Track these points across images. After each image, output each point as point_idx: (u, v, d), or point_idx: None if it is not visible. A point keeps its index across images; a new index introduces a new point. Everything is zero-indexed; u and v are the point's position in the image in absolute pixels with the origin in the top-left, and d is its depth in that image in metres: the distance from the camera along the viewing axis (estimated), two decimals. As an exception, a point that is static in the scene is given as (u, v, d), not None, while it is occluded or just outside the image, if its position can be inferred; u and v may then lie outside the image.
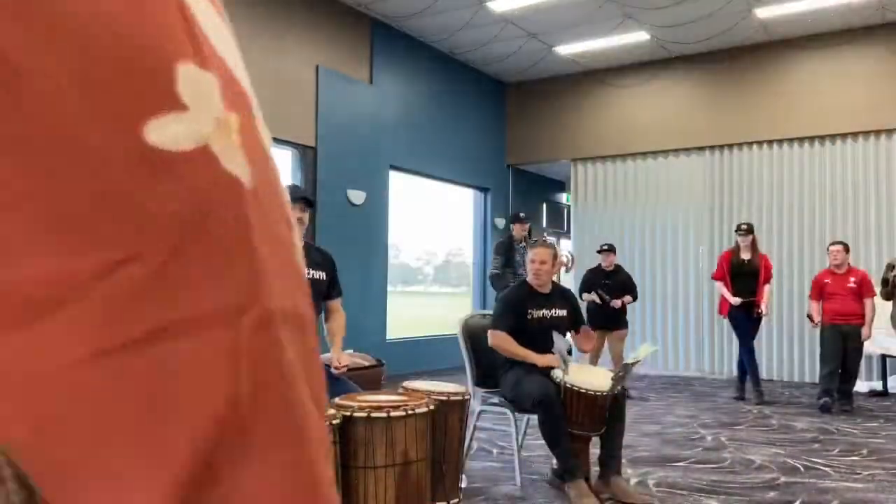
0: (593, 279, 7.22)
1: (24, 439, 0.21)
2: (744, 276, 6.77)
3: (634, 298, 7.29)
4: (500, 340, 3.82)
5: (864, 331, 6.40)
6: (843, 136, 8.66)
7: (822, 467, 4.36)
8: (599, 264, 7.34)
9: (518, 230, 7.18)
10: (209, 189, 0.22)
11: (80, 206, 0.21)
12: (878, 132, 8.48)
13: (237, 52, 0.27)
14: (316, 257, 3.32)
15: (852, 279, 6.52)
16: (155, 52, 0.22)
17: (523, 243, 7.04)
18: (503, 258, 7.03)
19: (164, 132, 0.21)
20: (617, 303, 7.07)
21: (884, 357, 7.49)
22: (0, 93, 0.20)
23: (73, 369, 0.20)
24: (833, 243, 6.75)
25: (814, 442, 5.10)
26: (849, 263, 6.65)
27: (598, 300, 7.06)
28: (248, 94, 0.25)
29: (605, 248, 7.33)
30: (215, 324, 0.22)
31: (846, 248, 6.60)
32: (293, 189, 3.34)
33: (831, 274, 6.64)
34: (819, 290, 6.69)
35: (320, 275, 3.32)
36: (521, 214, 7.36)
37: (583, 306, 7.08)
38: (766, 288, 6.86)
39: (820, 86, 8.72)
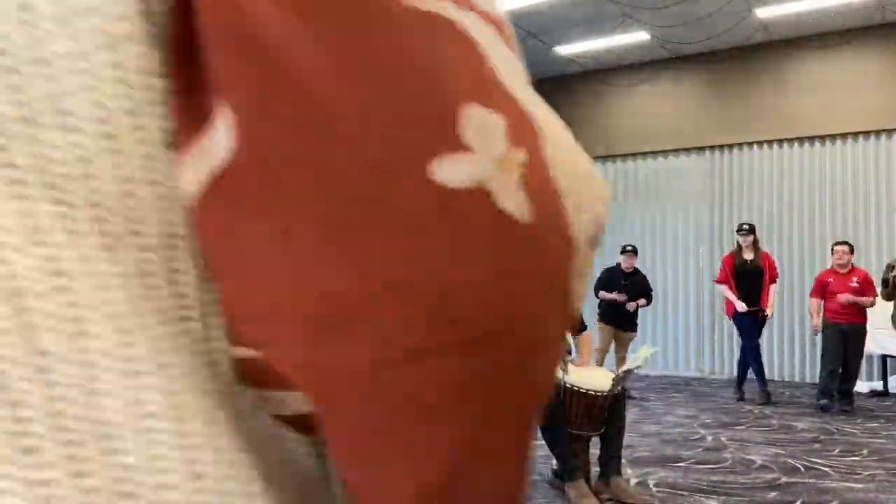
0: (611, 278, 7.17)
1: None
2: (748, 277, 6.75)
3: (649, 302, 7.27)
4: None
5: (853, 297, 6.39)
6: (844, 136, 8.65)
7: (822, 467, 4.35)
8: (619, 264, 7.24)
9: None
10: (479, 224, 0.23)
11: (382, 238, 0.23)
12: (878, 132, 8.47)
13: (526, 83, 0.28)
14: None
15: (855, 279, 6.52)
16: (444, 92, 0.23)
17: None
18: None
19: (447, 171, 0.23)
20: (632, 305, 7.05)
21: (884, 357, 7.48)
22: (316, 144, 0.22)
23: (364, 376, 0.24)
24: (838, 243, 6.74)
25: (814, 442, 5.09)
26: (851, 264, 6.65)
27: (618, 299, 7.03)
28: (538, 129, 0.26)
29: (629, 249, 7.23)
30: (476, 347, 0.24)
31: (851, 249, 6.60)
32: None
33: (834, 273, 6.63)
34: (821, 289, 6.68)
35: None
36: None
37: (594, 304, 7.10)
38: (773, 288, 6.84)
39: (821, 86, 8.70)
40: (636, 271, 7.27)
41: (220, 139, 0.23)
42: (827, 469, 4.31)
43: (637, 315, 7.20)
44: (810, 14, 8.13)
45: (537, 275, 0.25)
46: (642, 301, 7.14)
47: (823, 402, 6.53)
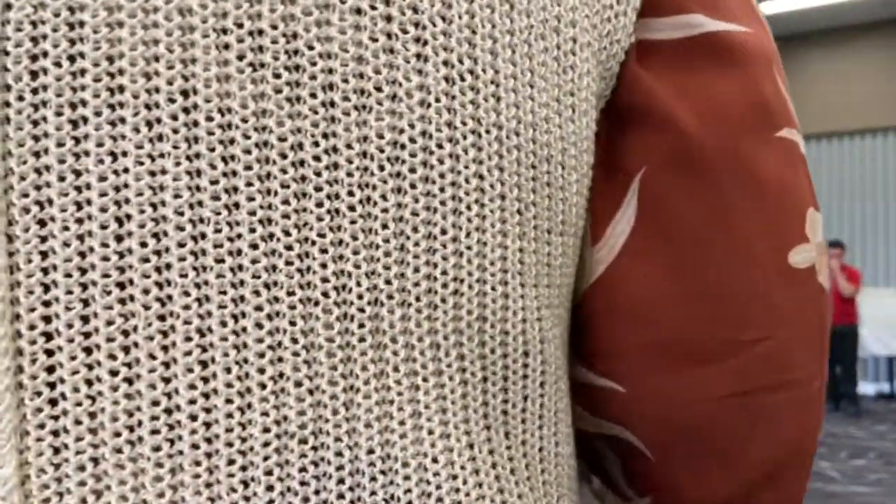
0: None
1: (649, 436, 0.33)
2: None
3: None
4: None
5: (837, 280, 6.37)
6: (851, 133, 8.58)
7: (828, 471, 4.31)
8: None
9: None
10: (810, 295, 0.33)
11: (741, 298, 0.31)
12: (885, 129, 8.40)
13: None
14: None
15: (844, 277, 6.48)
16: (800, 201, 0.32)
17: None
18: None
19: (796, 257, 0.32)
20: None
21: (890, 360, 7.40)
22: (709, 234, 0.31)
23: (719, 400, 0.31)
24: (830, 245, 6.71)
25: (820, 445, 5.02)
26: (842, 263, 6.62)
27: None
28: None
29: None
30: (800, 385, 0.33)
31: (843, 250, 6.60)
32: None
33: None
34: None
35: None
36: None
37: None
38: None
39: (826, 82, 8.64)
40: None
41: (628, 214, 0.31)
42: (833, 473, 4.27)
43: None
44: (814, 10, 8.06)
45: (828, 332, 0.34)
46: None
47: (830, 406, 6.50)
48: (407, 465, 0.25)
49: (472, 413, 0.27)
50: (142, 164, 0.23)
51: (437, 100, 0.25)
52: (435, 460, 0.26)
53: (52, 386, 0.23)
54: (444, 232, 0.25)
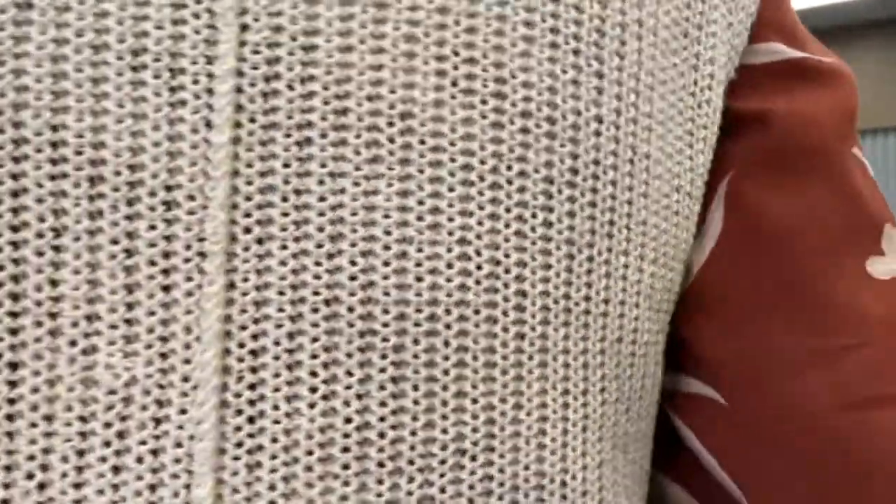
0: None
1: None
2: None
3: None
4: None
5: None
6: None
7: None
8: None
9: None
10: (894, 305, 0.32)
11: (828, 302, 0.31)
12: (885, 129, 8.42)
13: None
14: None
15: None
16: (874, 215, 0.33)
17: None
18: None
19: (873, 267, 0.32)
20: None
21: None
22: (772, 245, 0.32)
23: (827, 414, 0.30)
24: None
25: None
26: None
27: None
28: None
29: None
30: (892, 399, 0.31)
31: None
32: None
33: None
34: None
35: None
36: None
37: None
38: None
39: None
40: None
41: (716, 221, 0.32)
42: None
43: None
44: (813, 10, 8.08)
45: None
46: None
47: None
48: (553, 481, 0.26)
49: (606, 432, 0.28)
50: (358, 185, 0.23)
51: (608, 129, 0.27)
52: (574, 477, 0.27)
53: (252, 403, 0.23)
54: (599, 253, 0.27)
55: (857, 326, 0.30)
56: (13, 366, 0.22)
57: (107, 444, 0.22)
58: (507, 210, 0.25)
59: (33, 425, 0.22)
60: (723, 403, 0.31)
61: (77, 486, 0.22)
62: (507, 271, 0.25)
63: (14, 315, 0.22)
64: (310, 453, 0.23)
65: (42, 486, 0.22)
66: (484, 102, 0.25)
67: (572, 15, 0.26)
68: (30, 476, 0.22)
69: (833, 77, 0.33)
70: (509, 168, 0.25)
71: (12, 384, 0.22)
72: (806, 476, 0.30)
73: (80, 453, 0.22)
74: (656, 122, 0.28)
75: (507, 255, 0.25)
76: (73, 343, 0.22)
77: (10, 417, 0.22)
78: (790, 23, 0.34)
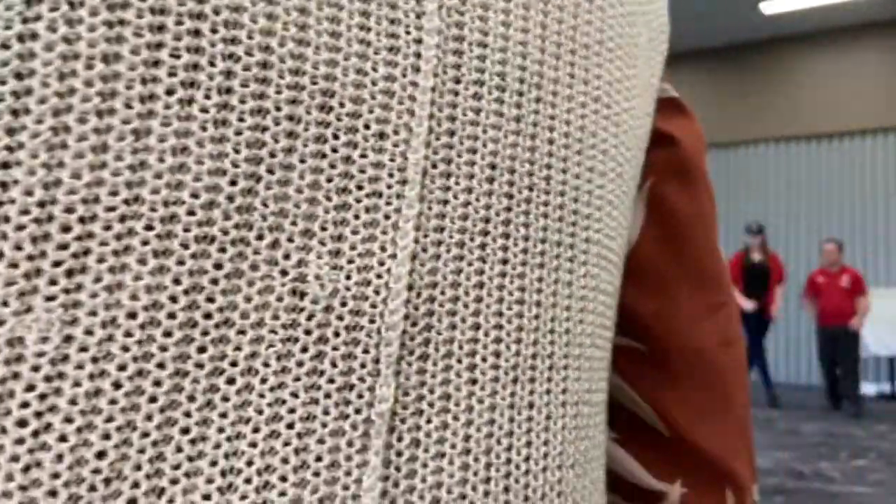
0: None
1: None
2: (755, 279, 6.67)
3: None
4: None
5: (854, 321, 6.32)
6: (852, 133, 8.56)
7: (828, 472, 4.29)
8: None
9: None
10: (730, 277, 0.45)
11: (714, 272, 0.43)
12: (886, 130, 8.39)
13: None
14: None
15: (845, 278, 6.45)
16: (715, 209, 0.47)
17: None
18: None
19: (720, 251, 0.46)
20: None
21: (891, 360, 7.39)
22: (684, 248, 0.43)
23: (714, 350, 0.42)
24: (826, 241, 6.68)
25: (821, 446, 5.03)
26: (841, 263, 6.57)
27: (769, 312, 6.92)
28: None
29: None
30: (741, 342, 0.44)
31: (839, 247, 6.54)
32: None
33: (824, 272, 6.57)
34: (811, 288, 6.65)
35: None
36: None
37: None
38: (779, 290, 6.75)
39: (828, 82, 8.62)
40: None
41: (641, 214, 0.41)
42: (833, 473, 4.26)
43: None
44: (816, 10, 8.05)
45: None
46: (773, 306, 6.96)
47: (830, 406, 6.51)
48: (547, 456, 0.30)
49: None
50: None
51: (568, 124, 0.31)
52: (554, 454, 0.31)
53: (430, 314, 0.26)
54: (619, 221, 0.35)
55: (725, 289, 0.43)
56: (228, 276, 0.23)
57: (304, 349, 0.23)
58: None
59: (241, 332, 0.23)
60: (645, 350, 0.41)
61: (274, 388, 0.23)
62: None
63: (238, 227, 0.23)
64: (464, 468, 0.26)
65: (241, 390, 0.23)
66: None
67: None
68: (230, 381, 0.23)
69: (692, 113, 0.46)
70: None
71: (224, 292, 0.23)
72: (701, 395, 0.41)
73: (281, 357, 0.23)
74: (631, 118, 0.35)
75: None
76: (287, 256, 0.23)
77: (220, 324, 0.23)
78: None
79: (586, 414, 0.32)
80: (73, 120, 0.21)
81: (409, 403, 0.25)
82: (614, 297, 0.36)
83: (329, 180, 0.24)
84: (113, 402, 0.21)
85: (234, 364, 0.22)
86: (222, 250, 0.22)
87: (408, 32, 0.26)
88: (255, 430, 0.22)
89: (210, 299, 0.22)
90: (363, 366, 0.24)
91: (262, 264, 0.23)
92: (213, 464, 0.22)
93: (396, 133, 0.25)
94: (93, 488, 0.21)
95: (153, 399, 0.21)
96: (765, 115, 8.94)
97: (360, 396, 0.24)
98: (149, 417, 0.21)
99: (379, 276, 0.25)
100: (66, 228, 0.21)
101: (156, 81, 0.22)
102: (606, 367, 0.36)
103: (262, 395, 0.23)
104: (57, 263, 0.21)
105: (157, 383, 0.21)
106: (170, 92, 0.22)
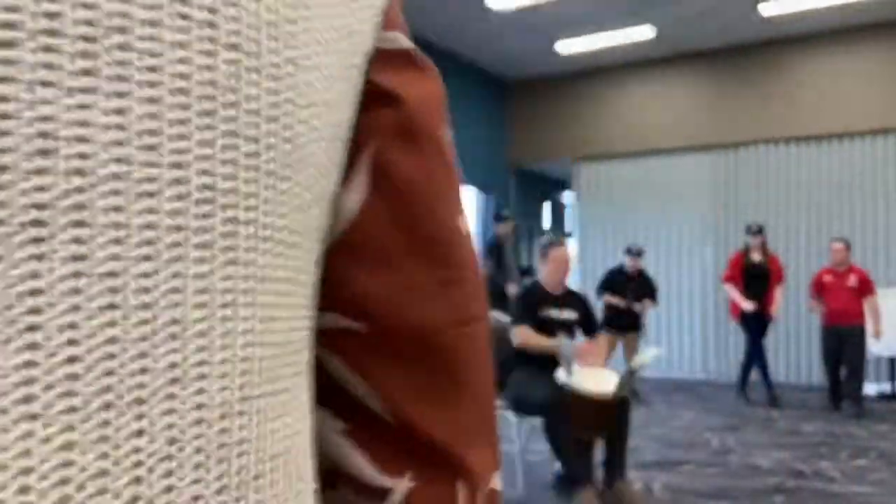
0: (617, 280, 7.04)
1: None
2: (755, 279, 6.68)
3: (655, 303, 7.16)
4: (523, 337, 3.85)
5: (870, 328, 6.31)
6: (851, 134, 8.58)
7: (829, 471, 4.29)
8: (622, 266, 7.10)
9: (502, 229, 7.08)
10: (473, 251, 0.42)
11: (447, 245, 0.40)
12: (886, 131, 8.40)
13: None
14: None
15: (852, 277, 6.44)
16: (459, 180, 0.43)
17: (507, 242, 7.06)
18: (494, 260, 6.97)
19: (460, 223, 0.41)
20: (638, 306, 6.93)
21: (892, 360, 7.41)
22: (411, 208, 0.39)
23: (446, 330, 0.39)
24: (834, 240, 6.67)
25: (821, 445, 5.03)
26: (849, 262, 6.56)
27: (620, 305, 6.91)
28: None
29: (635, 251, 7.04)
30: (484, 319, 0.41)
31: (847, 247, 6.52)
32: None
33: (831, 272, 6.57)
34: (818, 288, 6.64)
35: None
36: (504, 213, 7.28)
37: (598, 306, 7.02)
38: (779, 290, 6.76)
39: (827, 84, 8.64)
40: (641, 273, 7.15)
41: (363, 182, 0.37)
42: (834, 473, 4.26)
43: (640, 316, 7.11)
44: (815, 11, 8.06)
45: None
46: (649, 302, 7.03)
47: (831, 407, 6.50)
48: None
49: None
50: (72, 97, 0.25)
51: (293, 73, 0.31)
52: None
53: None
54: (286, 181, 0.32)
55: (461, 265, 0.40)
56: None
57: None
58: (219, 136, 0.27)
59: None
60: (367, 330, 0.37)
61: None
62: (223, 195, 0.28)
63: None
64: None
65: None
66: (200, 28, 0.27)
67: None
68: None
69: (432, 69, 0.41)
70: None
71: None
72: (431, 379, 0.38)
73: None
74: (323, 76, 0.32)
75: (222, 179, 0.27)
76: None
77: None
78: (402, 18, 0.40)
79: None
80: None
81: None
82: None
83: None
84: None
85: None
86: None
87: None
88: None
89: None
90: None
91: None
92: None
93: None
94: None
95: None
96: (764, 116, 8.96)
97: None
98: None
99: None
100: None
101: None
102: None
103: None
104: None
105: None
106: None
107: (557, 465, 3.68)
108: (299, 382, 0.33)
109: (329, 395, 0.38)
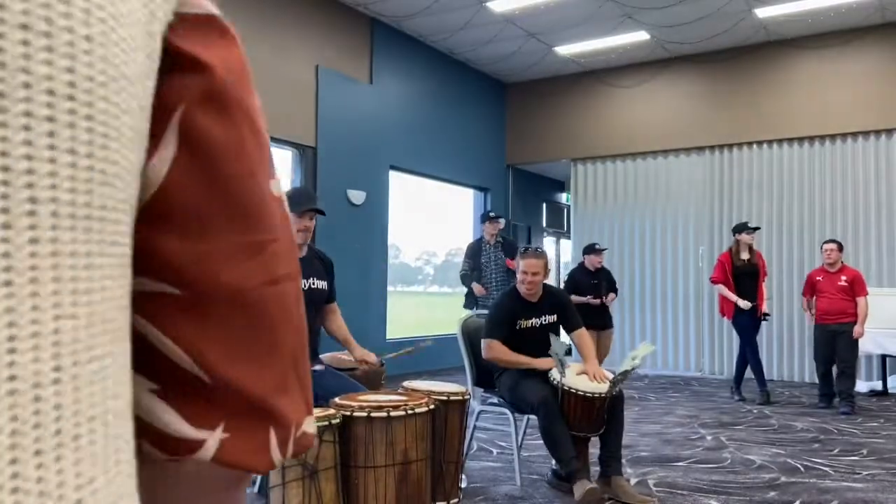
0: (582, 279, 6.89)
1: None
2: (746, 277, 6.74)
3: (616, 294, 7.10)
4: (495, 353, 3.79)
5: (857, 328, 6.39)
6: (843, 135, 8.66)
7: (822, 467, 4.35)
8: (582, 263, 6.96)
9: (489, 230, 7.05)
10: (286, 216, 0.45)
11: (258, 209, 0.42)
12: (877, 132, 8.48)
13: None
14: (318, 266, 3.41)
15: (844, 278, 6.52)
16: (268, 143, 0.45)
17: (497, 242, 7.03)
18: (471, 262, 6.98)
19: (273, 188, 0.43)
20: (608, 299, 6.84)
21: (884, 357, 7.49)
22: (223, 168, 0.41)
23: (258, 289, 0.41)
24: (827, 241, 6.75)
25: (814, 442, 5.10)
26: (841, 262, 6.65)
27: (591, 302, 6.82)
28: None
29: (599, 248, 6.98)
30: (294, 278, 0.44)
31: (840, 247, 6.60)
32: (308, 195, 3.40)
33: (823, 272, 6.65)
34: (811, 288, 6.72)
35: (322, 284, 3.39)
36: (492, 213, 7.26)
37: None
38: (764, 286, 6.87)
39: (820, 86, 8.71)
40: (602, 268, 6.97)
41: (170, 146, 0.39)
42: (827, 469, 4.31)
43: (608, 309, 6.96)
44: (810, 14, 8.13)
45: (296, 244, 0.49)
46: (612, 296, 6.90)
47: (822, 405, 6.56)
48: None
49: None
50: None
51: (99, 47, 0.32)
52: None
53: None
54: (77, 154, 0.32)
55: (272, 227, 0.42)
56: None
57: None
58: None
59: None
60: (179, 294, 0.39)
61: None
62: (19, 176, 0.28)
63: None
64: None
65: None
66: None
67: None
68: None
69: (234, 36, 0.43)
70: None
71: None
72: (243, 336, 0.41)
73: None
74: (126, 49, 0.33)
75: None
76: None
77: None
78: None
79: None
80: None
81: None
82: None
83: None
84: None
85: None
86: None
87: None
88: None
89: None
90: None
91: None
92: None
93: None
94: None
95: None
96: (758, 117, 9.03)
97: None
98: None
99: None
100: None
101: None
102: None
103: None
104: None
105: None
106: None
107: (554, 461, 3.74)
108: (117, 349, 0.34)
109: (139, 356, 0.39)
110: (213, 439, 0.40)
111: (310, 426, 0.45)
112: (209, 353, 0.39)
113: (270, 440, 0.42)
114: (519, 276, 3.87)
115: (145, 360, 0.39)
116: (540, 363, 3.72)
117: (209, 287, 0.39)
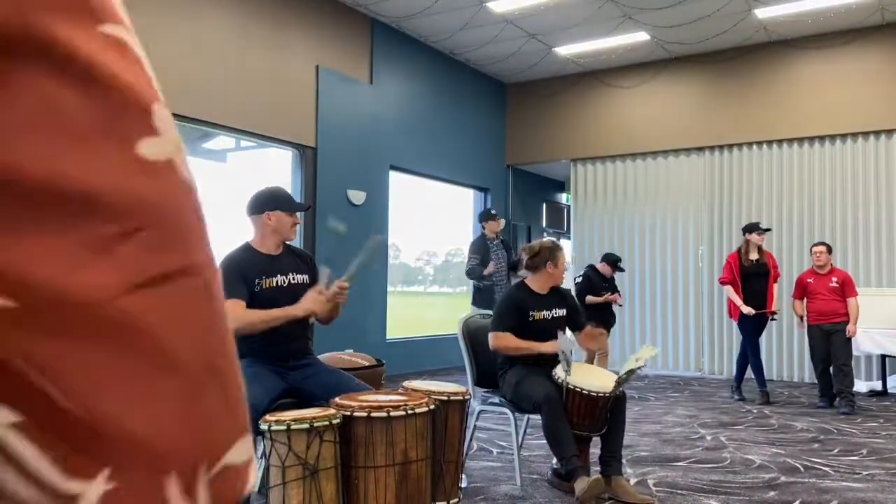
0: (597, 279, 7.35)
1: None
2: (755, 277, 6.74)
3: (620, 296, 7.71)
4: (502, 341, 3.82)
5: (850, 328, 6.41)
6: (843, 136, 8.66)
7: (821, 467, 4.36)
8: (595, 268, 7.51)
9: (492, 227, 7.15)
10: (175, 187, 0.33)
11: (96, 192, 0.31)
12: (877, 132, 8.49)
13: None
14: (296, 261, 3.38)
15: (834, 279, 6.55)
16: (142, 95, 0.33)
17: (497, 240, 7.12)
18: (480, 256, 7.05)
19: (148, 150, 0.32)
20: (620, 300, 7.41)
21: (883, 357, 7.49)
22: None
23: (116, 299, 0.31)
24: (816, 244, 6.78)
25: (814, 442, 5.10)
26: (831, 264, 6.69)
27: (617, 300, 7.33)
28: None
29: (616, 259, 7.47)
30: (193, 273, 0.33)
31: (829, 249, 6.65)
32: (288, 198, 3.37)
33: (814, 274, 6.67)
34: (801, 290, 6.74)
35: (303, 278, 3.38)
36: (493, 211, 7.36)
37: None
38: (775, 287, 6.86)
39: (820, 86, 8.72)
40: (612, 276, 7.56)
41: None
42: (826, 469, 4.32)
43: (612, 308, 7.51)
44: (810, 14, 8.14)
45: (205, 224, 0.36)
46: (618, 296, 7.45)
47: (823, 404, 6.56)
48: None
49: None
50: None
51: None
52: None
53: None
54: None
55: (132, 211, 0.31)
56: None
57: None
58: None
59: None
60: (14, 306, 0.30)
61: None
62: None
63: None
64: None
65: None
66: None
67: None
68: None
69: None
70: None
71: None
72: (113, 359, 0.31)
73: None
74: None
75: None
76: None
77: None
78: None
79: None
80: None
81: None
82: None
83: None
84: None
85: None
86: None
87: None
88: None
89: None
90: None
91: None
92: None
93: None
94: None
95: None
96: (757, 117, 9.03)
97: None
98: None
99: None
100: None
101: None
102: None
103: None
104: None
105: None
106: None
107: (555, 461, 3.74)
108: None
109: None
110: (91, 493, 0.31)
111: (239, 454, 0.35)
112: (75, 381, 0.30)
113: (167, 490, 0.32)
114: (558, 269, 3.99)
115: (4, 383, 0.30)
116: (545, 346, 3.76)
117: (51, 296, 0.30)
